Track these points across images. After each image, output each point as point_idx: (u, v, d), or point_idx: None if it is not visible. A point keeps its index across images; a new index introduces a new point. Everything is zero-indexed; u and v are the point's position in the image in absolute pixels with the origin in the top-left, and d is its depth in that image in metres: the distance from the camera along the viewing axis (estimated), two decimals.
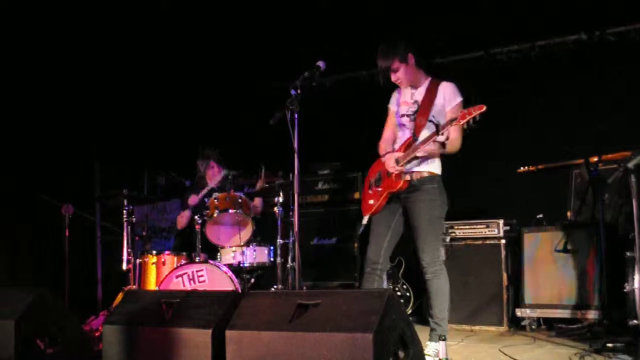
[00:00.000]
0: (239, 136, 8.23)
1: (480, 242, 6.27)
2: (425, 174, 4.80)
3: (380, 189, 4.94)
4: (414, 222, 4.79)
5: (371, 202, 4.98)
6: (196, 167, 6.99)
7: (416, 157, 4.77)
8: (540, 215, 6.23)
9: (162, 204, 8.40)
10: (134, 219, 6.54)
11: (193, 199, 6.74)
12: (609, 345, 4.58)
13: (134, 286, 6.18)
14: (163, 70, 8.20)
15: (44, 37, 7.33)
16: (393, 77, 4.97)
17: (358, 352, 3.44)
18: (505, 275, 6.11)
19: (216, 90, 8.46)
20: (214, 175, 6.87)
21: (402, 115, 4.97)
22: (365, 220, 5.06)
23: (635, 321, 4.35)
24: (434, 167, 4.84)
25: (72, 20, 7.37)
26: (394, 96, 5.12)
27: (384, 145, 5.08)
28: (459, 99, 4.82)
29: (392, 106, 5.11)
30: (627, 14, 6.55)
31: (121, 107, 8.26)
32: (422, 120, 4.84)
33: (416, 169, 4.82)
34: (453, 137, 4.66)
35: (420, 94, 4.95)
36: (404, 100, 5.00)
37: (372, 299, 3.68)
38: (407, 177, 4.79)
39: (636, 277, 4.30)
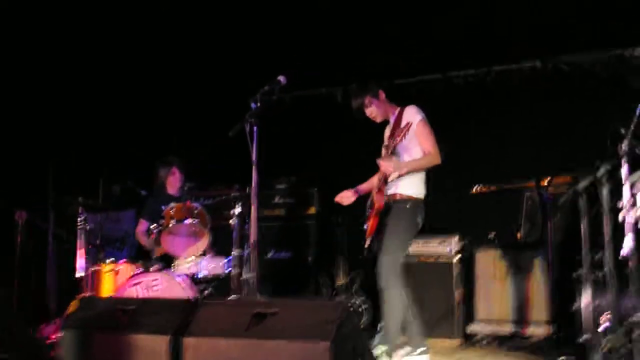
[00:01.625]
0: (196, 148, 8.22)
1: (433, 259, 6.41)
2: (398, 196, 5.06)
3: (370, 210, 5.19)
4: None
5: (366, 226, 5.21)
6: (155, 175, 6.99)
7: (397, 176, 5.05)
8: (492, 235, 6.39)
9: (115, 213, 8.32)
10: (88, 227, 6.52)
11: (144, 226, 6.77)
12: (562, 358, 4.72)
13: (89, 293, 6.14)
14: (123, 76, 8.18)
15: None
16: (367, 113, 5.27)
17: None
18: (457, 292, 6.25)
19: (174, 101, 8.46)
20: (175, 182, 6.89)
21: (383, 147, 5.29)
22: (366, 244, 5.20)
23: (585, 336, 4.48)
24: (407, 189, 5.08)
25: (28, 23, 7.34)
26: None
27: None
28: (419, 117, 5.05)
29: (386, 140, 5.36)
30: (580, 42, 6.81)
31: (78, 114, 8.22)
32: (390, 147, 5.07)
33: (390, 191, 5.09)
34: (425, 151, 4.99)
35: (391, 124, 5.26)
36: (386, 135, 5.34)
37: (329, 309, 3.77)
38: (385, 198, 5.07)
39: (584, 295, 4.44)
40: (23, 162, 7.91)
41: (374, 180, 5.28)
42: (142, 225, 6.84)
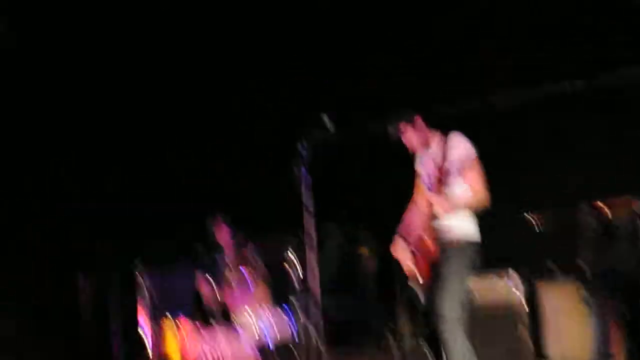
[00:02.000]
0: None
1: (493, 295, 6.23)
2: (455, 242, 4.80)
3: (415, 250, 5.01)
4: None
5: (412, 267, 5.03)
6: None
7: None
8: (550, 263, 6.25)
9: (172, 269, 8.40)
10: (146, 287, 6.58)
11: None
12: None
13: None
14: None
15: None
16: (404, 141, 5.03)
17: None
18: (522, 326, 6.07)
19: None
20: (224, 236, 6.90)
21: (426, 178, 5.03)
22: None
23: None
24: (464, 230, 4.82)
25: None
26: (418, 158, 5.12)
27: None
28: (471, 150, 4.73)
29: (418, 167, 5.12)
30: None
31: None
32: (438, 179, 4.83)
33: (446, 234, 4.81)
34: (477, 189, 4.72)
35: (434, 152, 4.97)
36: (427, 165, 5.03)
37: None
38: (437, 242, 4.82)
39: None
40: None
41: (414, 217, 5.08)
42: (201, 278, 6.88)
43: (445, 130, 5.00)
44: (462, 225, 4.81)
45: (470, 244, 4.79)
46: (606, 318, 5.65)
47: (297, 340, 6.16)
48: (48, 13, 7.23)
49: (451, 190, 4.75)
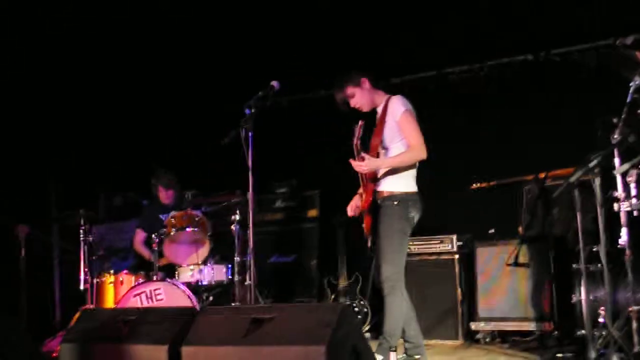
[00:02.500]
0: (196, 155, 8.23)
1: (434, 257, 6.40)
2: (385, 193, 4.94)
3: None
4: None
5: (363, 225, 5.15)
6: (151, 187, 7.04)
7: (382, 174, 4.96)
8: (492, 230, 6.36)
9: (119, 224, 8.36)
10: (90, 239, 6.55)
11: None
12: (559, 355, 4.71)
13: (92, 306, 6.17)
14: (118, 89, 8.20)
15: None
16: (352, 103, 5.09)
17: None
18: (459, 290, 6.24)
19: (172, 109, 8.47)
20: (165, 197, 6.94)
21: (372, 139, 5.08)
22: (368, 244, 5.14)
23: (582, 331, 4.46)
24: (393, 185, 4.94)
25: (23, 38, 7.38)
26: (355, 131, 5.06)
27: None
28: (402, 108, 4.90)
29: (355, 139, 5.08)
30: (569, 36, 6.82)
31: (76, 126, 8.23)
32: (376, 140, 5.02)
33: (378, 188, 4.98)
34: (409, 144, 4.84)
35: (378, 114, 5.09)
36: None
37: (325, 313, 3.75)
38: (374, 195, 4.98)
39: (582, 288, 4.42)
40: (23, 178, 7.93)
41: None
42: (139, 235, 6.89)
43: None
44: (393, 180, 4.94)
45: (401, 196, 4.89)
46: (539, 278, 5.84)
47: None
48: None
49: (388, 150, 4.94)
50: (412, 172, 4.97)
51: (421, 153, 4.82)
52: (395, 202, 4.87)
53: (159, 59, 7.96)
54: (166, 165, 7.15)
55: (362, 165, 4.83)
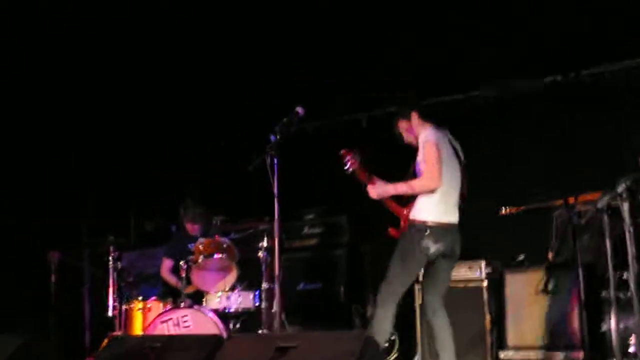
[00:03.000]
0: (224, 181, 8.26)
1: (462, 284, 6.31)
2: (409, 220, 5.05)
3: None
4: None
5: None
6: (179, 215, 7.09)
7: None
8: (522, 257, 6.28)
9: (150, 250, 8.42)
10: (119, 266, 6.61)
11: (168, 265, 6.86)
12: None
13: (120, 332, 6.21)
14: (151, 118, 8.31)
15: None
16: (405, 139, 5.30)
17: None
18: (488, 318, 6.15)
19: (201, 137, 8.54)
20: (192, 230, 6.99)
21: None
22: None
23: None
24: (415, 213, 5.04)
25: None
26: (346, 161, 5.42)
27: None
28: (426, 139, 5.04)
29: (349, 167, 5.43)
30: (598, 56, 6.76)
31: (108, 153, 8.38)
32: (412, 167, 5.17)
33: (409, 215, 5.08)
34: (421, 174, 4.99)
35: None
36: None
37: (349, 341, 3.77)
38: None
39: (612, 317, 4.35)
40: (55, 205, 8.04)
41: None
42: (166, 263, 6.95)
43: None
44: (417, 207, 5.06)
45: (418, 225, 5.00)
46: (569, 306, 5.74)
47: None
48: None
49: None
50: (436, 201, 5.00)
51: (430, 183, 4.92)
52: (412, 230, 4.98)
53: (189, 91, 8.04)
54: (196, 189, 7.18)
55: (373, 190, 5.13)
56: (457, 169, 5.23)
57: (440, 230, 5.01)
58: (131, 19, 7.21)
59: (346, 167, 5.39)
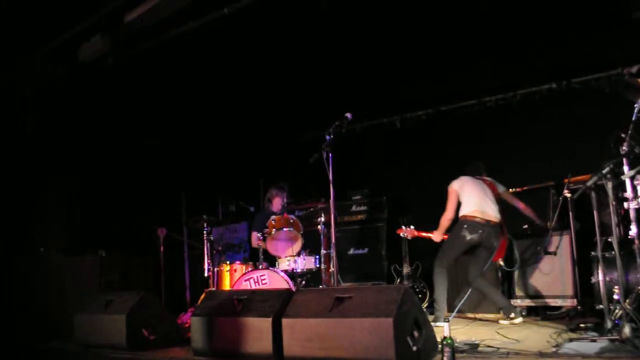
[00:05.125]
0: (290, 171, 8.31)
1: None
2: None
3: None
4: None
5: None
6: (265, 195, 7.15)
7: None
8: (526, 226, 6.24)
9: (233, 225, 8.56)
10: (212, 238, 6.75)
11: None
12: (582, 325, 4.58)
13: (213, 288, 6.34)
14: (235, 124, 8.34)
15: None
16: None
17: (382, 333, 3.57)
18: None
19: (271, 136, 8.58)
20: (279, 202, 7.00)
21: None
22: None
23: (600, 306, 4.34)
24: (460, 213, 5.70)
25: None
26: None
27: None
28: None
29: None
30: (588, 66, 6.66)
31: (202, 151, 8.47)
32: None
33: None
34: None
35: None
36: None
37: (392, 292, 3.81)
38: None
39: (599, 271, 4.31)
40: (162, 193, 8.26)
41: None
42: (253, 235, 7.01)
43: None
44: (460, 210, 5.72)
45: (459, 222, 5.63)
46: (565, 263, 5.78)
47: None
48: None
49: None
50: (467, 203, 5.61)
51: (443, 218, 5.70)
52: (458, 223, 5.62)
53: (270, 99, 7.96)
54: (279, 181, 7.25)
55: (434, 237, 5.89)
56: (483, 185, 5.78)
57: (475, 224, 5.49)
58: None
59: (408, 238, 6.44)
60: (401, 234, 6.46)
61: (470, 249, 5.66)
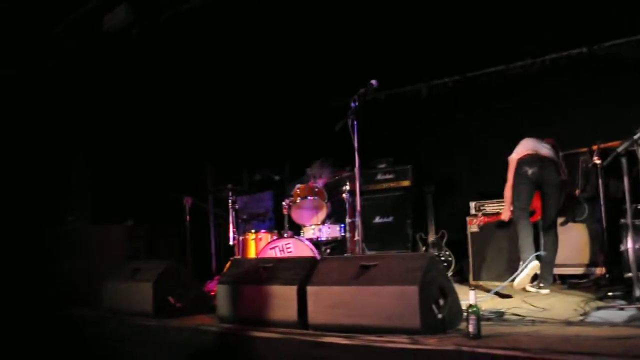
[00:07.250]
0: (316, 139, 8.27)
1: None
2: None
3: None
4: None
5: None
6: (309, 165, 7.25)
7: None
8: None
9: (258, 194, 8.60)
10: (237, 207, 6.80)
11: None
12: (610, 294, 4.54)
13: (239, 256, 6.41)
14: (259, 96, 8.33)
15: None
16: None
17: (407, 300, 3.58)
18: None
19: (295, 106, 8.55)
20: (320, 175, 7.06)
21: None
22: None
23: (629, 274, 4.31)
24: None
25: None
26: None
27: None
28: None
29: None
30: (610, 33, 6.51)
31: (226, 121, 8.49)
32: None
33: None
34: None
35: None
36: None
37: (417, 260, 3.81)
38: None
39: (628, 239, 4.26)
40: (188, 163, 8.33)
41: None
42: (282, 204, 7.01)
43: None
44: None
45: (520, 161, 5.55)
46: (593, 231, 5.78)
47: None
48: None
49: None
50: (523, 147, 5.57)
51: (506, 190, 5.64)
52: (518, 164, 5.53)
53: (295, 72, 7.95)
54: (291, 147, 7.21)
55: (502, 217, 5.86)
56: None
57: (531, 159, 5.44)
58: None
59: (480, 225, 6.44)
60: (474, 225, 6.51)
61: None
